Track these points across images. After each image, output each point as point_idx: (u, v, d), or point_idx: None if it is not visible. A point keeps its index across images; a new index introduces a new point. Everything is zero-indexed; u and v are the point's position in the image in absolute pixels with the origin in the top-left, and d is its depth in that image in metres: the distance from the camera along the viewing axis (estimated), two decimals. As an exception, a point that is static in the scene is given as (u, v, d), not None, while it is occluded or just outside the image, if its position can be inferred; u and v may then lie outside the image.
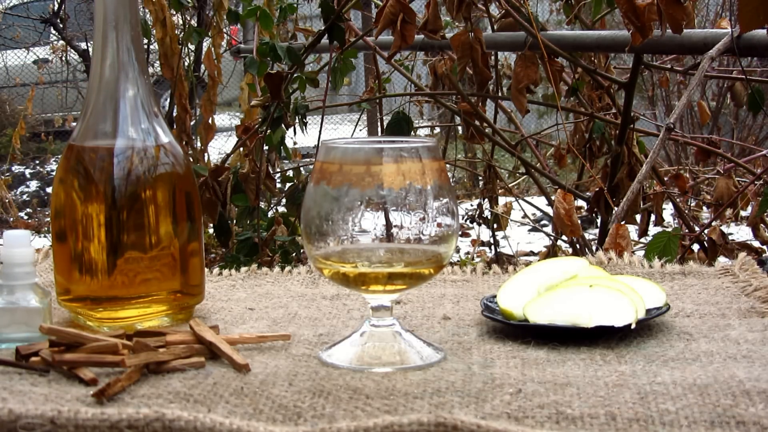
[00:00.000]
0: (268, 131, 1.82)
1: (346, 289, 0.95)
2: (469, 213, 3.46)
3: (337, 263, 0.70)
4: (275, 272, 1.03)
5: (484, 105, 2.10)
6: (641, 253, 1.82)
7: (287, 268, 1.04)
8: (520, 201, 2.80)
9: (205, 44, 2.79)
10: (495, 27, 1.91)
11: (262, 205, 1.94)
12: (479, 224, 2.94)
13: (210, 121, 2.45)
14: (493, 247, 2.82)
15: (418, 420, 0.56)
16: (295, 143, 3.37)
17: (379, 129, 2.45)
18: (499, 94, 2.21)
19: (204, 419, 0.57)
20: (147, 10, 2.21)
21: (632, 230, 1.72)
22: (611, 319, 0.75)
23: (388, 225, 0.68)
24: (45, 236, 4.20)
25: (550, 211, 2.14)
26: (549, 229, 2.93)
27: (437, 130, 4.06)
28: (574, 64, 1.88)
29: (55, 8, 5.02)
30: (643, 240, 2.10)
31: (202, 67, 2.68)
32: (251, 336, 0.75)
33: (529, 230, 4.01)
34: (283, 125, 1.84)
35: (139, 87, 0.83)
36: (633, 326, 0.75)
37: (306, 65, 1.94)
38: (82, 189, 0.81)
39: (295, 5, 2.18)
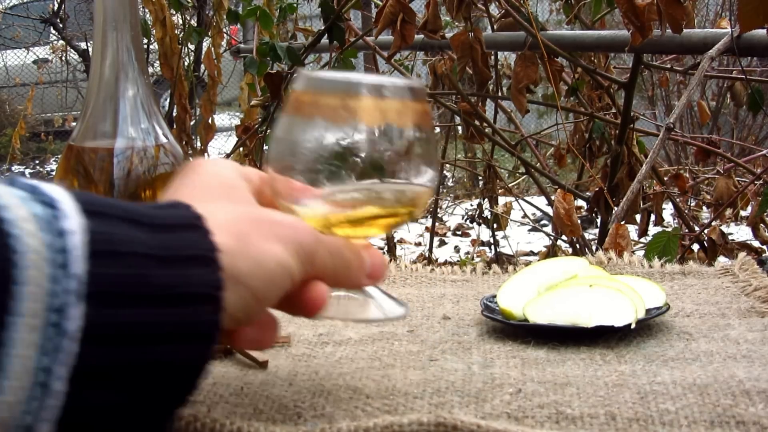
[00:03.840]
0: (268, 131, 1.82)
1: (346, 289, 0.95)
2: (469, 213, 3.46)
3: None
4: (275, 272, 1.03)
5: (483, 105, 2.10)
6: (641, 253, 1.82)
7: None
8: (520, 201, 2.80)
9: (205, 44, 2.79)
10: (495, 27, 1.91)
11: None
12: (479, 224, 2.94)
13: (210, 121, 2.45)
14: (493, 246, 2.82)
15: (418, 420, 0.56)
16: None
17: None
18: (499, 94, 2.21)
19: (204, 419, 0.57)
20: (147, 10, 2.21)
21: (632, 230, 1.73)
22: (611, 319, 0.75)
23: (363, 165, 0.62)
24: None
25: (550, 211, 2.14)
26: (549, 229, 2.94)
27: (437, 130, 4.07)
28: (574, 64, 1.88)
29: (55, 8, 5.02)
30: (643, 240, 2.10)
31: (202, 67, 2.68)
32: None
33: (529, 230, 4.01)
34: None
35: (139, 87, 0.83)
36: (633, 326, 0.75)
37: (306, 65, 1.94)
38: (82, 189, 0.81)
39: (295, 5, 2.18)
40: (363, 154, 0.61)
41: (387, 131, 0.62)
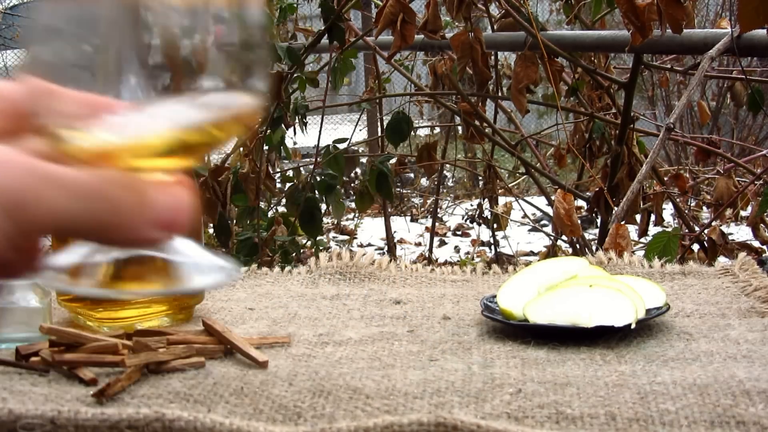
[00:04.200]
0: (268, 131, 1.82)
1: (346, 289, 0.95)
2: (469, 213, 3.46)
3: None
4: (275, 272, 1.03)
5: (484, 105, 2.10)
6: (641, 253, 1.82)
7: (287, 268, 1.04)
8: (520, 201, 2.80)
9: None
10: (495, 27, 1.91)
11: (262, 205, 1.94)
12: (479, 224, 2.94)
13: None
14: (493, 247, 2.82)
15: (418, 420, 0.56)
16: (295, 143, 3.37)
17: (379, 129, 2.45)
18: (499, 94, 2.21)
19: (204, 419, 0.57)
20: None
21: (632, 230, 1.73)
22: (611, 319, 0.75)
23: (151, 64, 0.42)
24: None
25: (550, 211, 2.14)
26: (549, 229, 2.93)
27: (437, 130, 4.07)
28: (574, 64, 1.88)
29: (55, 8, 5.02)
30: (643, 240, 2.10)
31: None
32: (251, 339, 0.76)
33: (529, 230, 4.01)
34: (283, 125, 1.84)
35: (139, 87, 0.83)
36: (633, 326, 0.75)
37: (306, 65, 1.94)
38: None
39: (295, 5, 2.18)
40: (151, 47, 0.41)
41: (186, 12, 0.41)
